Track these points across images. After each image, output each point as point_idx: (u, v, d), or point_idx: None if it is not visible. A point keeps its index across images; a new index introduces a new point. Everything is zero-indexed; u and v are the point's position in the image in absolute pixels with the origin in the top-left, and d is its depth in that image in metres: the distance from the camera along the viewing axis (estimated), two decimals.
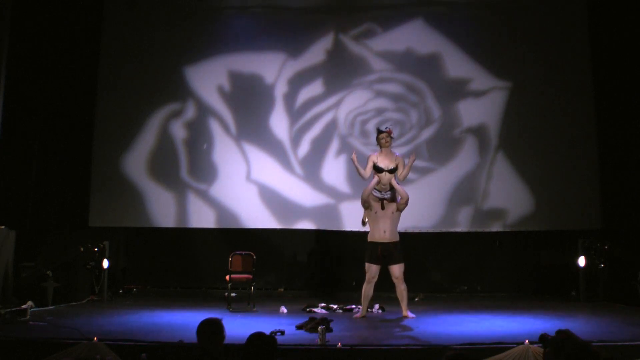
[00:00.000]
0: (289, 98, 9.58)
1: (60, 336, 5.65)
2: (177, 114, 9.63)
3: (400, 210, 7.22)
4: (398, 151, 7.80)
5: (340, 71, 9.59)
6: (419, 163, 9.02)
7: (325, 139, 9.50)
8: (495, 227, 9.34)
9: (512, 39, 9.51)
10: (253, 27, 9.73)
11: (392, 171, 7.30)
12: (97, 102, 9.61)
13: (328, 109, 9.54)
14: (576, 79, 9.37)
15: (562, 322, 6.58)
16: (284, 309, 7.71)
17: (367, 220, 7.34)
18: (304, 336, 5.91)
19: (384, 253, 7.11)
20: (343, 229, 9.31)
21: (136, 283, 9.76)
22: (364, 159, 7.60)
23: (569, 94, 9.37)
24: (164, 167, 9.55)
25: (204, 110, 9.63)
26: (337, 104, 9.53)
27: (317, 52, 9.62)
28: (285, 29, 9.66)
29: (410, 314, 7.17)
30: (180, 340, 5.34)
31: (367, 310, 7.42)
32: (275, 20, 9.72)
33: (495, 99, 9.46)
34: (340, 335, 5.86)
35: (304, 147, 9.51)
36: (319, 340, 5.40)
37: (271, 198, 9.43)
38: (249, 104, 9.62)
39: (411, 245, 8.31)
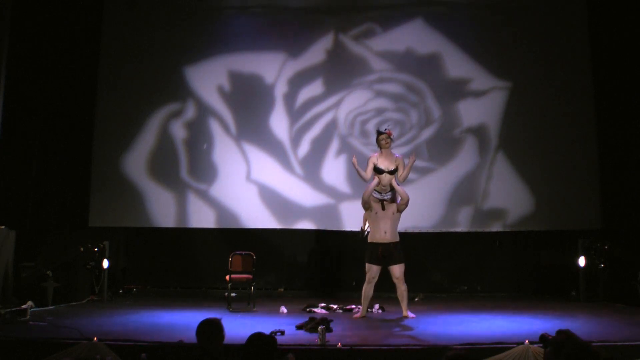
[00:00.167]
0: (289, 98, 9.58)
1: (60, 336, 5.65)
2: (177, 114, 9.63)
3: (400, 211, 7.22)
4: (398, 152, 7.80)
5: (340, 71, 9.59)
6: (419, 163, 9.03)
7: (325, 139, 9.50)
8: (495, 227, 9.34)
9: (512, 39, 9.51)
10: (253, 27, 9.73)
11: (393, 172, 7.30)
12: (97, 102, 9.61)
13: (328, 109, 9.54)
14: (576, 79, 9.38)
15: (562, 322, 6.58)
16: (284, 309, 7.71)
17: (366, 228, 7.34)
18: (304, 336, 5.91)
19: (384, 253, 7.11)
20: (343, 229, 9.32)
21: (136, 283, 9.76)
22: (363, 160, 7.60)
23: (569, 94, 9.37)
24: (164, 167, 9.55)
25: (204, 110, 9.64)
26: (337, 104, 9.53)
27: (317, 52, 9.63)
28: (285, 29, 9.67)
29: (410, 314, 7.17)
30: (180, 340, 5.34)
31: (367, 311, 7.41)
32: (275, 20, 9.72)
33: (495, 99, 9.46)
34: (340, 335, 5.86)
35: (304, 147, 9.51)
36: (319, 340, 5.40)
37: (271, 198, 9.43)
38: (249, 104, 9.62)
39: (411, 245, 8.31)
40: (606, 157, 9.15)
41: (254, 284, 8.09)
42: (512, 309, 7.85)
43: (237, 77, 9.66)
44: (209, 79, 9.67)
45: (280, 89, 9.60)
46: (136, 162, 9.55)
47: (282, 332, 5.88)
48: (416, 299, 8.76)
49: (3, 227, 8.00)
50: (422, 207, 8.97)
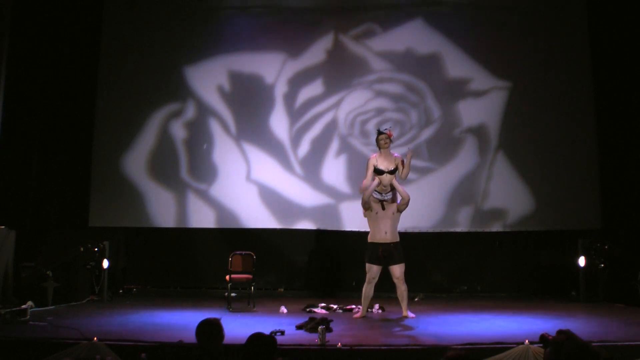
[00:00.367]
0: (289, 98, 9.58)
1: (60, 336, 5.65)
2: (177, 114, 9.63)
3: (400, 211, 7.22)
4: (397, 152, 7.79)
5: (340, 71, 9.59)
6: (419, 163, 9.04)
7: (325, 139, 9.50)
8: (495, 227, 9.34)
9: (512, 39, 9.51)
10: (253, 27, 9.73)
11: (392, 172, 7.30)
12: (97, 102, 9.61)
13: (328, 109, 9.54)
14: (576, 79, 9.38)
15: (562, 322, 6.58)
16: (284, 309, 7.71)
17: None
18: (304, 336, 5.91)
19: (384, 253, 7.10)
20: (343, 229, 9.32)
21: (136, 283, 9.75)
22: (363, 160, 7.59)
23: (569, 94, 9.37)
24: (164, 167, 9.55)
25: (204, 110, 9.63)
26: (337, 104, 9.53)
27: (317, 52, 9.63)
28: (285, 29, 9.66)
29: (410, 314, 7.17)
30: (180, 340, 5.33)
31: (367, 311, 7.41)
32: (275, 20, 9.72)
33: (495, 99, 9.46)
34: (340, 335, 5.86)
35: (304, 147, 9.51)
36: (319, 340, 5.40)
37: (271, 198, 9.43)
38: (249, 104, 9.62)
39: (411, 246, 8.30)
40: (606, 157, 9.16)
41: (254, 284, 8.09)
42: (512, 309, 7.85)
43: (237, 77, 9.66)
44: (209, 79, 9.67)
45: (280, 89, 9.60)
46: (136, 162, 9.54)
47: (282, 332, 5.88)
48: (416, 299, 8.76)
49: (3, 227, 8.00)
50: (422, 207, 8.97)
